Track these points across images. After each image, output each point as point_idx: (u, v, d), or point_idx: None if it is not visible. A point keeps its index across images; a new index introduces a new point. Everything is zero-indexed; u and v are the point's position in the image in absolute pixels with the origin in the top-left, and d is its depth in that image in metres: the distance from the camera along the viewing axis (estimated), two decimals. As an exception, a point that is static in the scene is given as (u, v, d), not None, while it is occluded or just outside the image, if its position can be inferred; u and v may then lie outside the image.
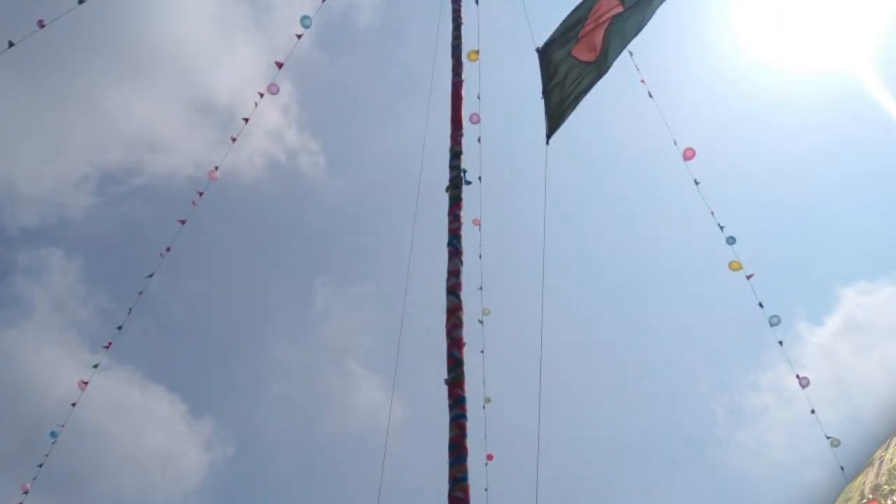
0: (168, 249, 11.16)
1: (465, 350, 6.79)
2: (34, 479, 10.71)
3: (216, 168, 11.41)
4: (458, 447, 6.13)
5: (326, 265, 30.42)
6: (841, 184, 30.17)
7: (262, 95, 11.11)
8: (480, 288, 11.49)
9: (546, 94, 8.47)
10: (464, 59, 9.33)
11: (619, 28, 8.34)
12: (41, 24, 9.37)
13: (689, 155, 10.34)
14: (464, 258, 7.46)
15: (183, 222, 11.24)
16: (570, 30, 8.53)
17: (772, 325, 10.18)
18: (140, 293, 11.09)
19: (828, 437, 10.02)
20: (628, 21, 8.34)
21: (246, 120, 11.31)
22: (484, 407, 11.94)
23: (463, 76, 9.13)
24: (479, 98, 10.55)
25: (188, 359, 27.93)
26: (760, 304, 10.23)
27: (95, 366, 11.09)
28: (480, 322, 11.48)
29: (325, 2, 10.76)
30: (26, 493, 10.64)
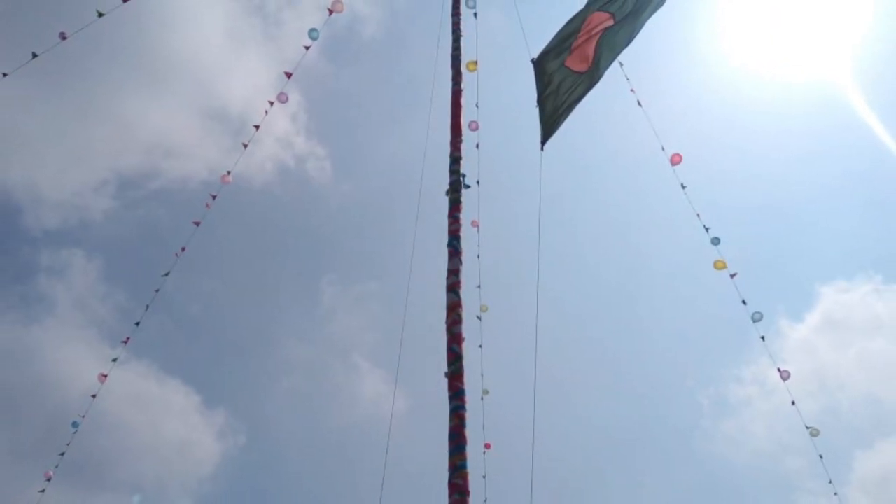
0: (183, 250, 11.14)
1: (465, 345, 6.78)
2: (57, 466, 10.70)
3: (229, 173, 11.40)
4: (457, 436, 6.12)
5: (333, 265, 30.32)
6: (821, 188, 30.13)
7: (272, 104, 11.11)
8: (479, 286, 11.48)
9: (541, 102, 8.46)
10: (463, 69, 9.33)
11: (610, 40, 8.34)
12: (63, 37, 9.38)
13: (676, 160, 10.33)
14: (463, 258, 7.45)
15: (197, 224, 11.23)
16: (563, 41, 8.52)
17: (754, 321, 10.17)
18: (157, 291, 11.08)
19: (807, 428, 10.03)
20: (619, 33, 8.34)
21: (257, 127, 11.30)
22: (482, 399, 11.93)
23: (462, 85, 9.12)
24: (477, 106, 10.54)
25: (202, 353, 27.87)
26: (744, 302, 10.23)
27: (114, 360, 11.07)
28: (479, 318, 11.46)
29: (332, 15, 10.73)
30: (49, 479, 10.64)
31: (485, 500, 11.31)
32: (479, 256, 11.34)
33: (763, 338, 10.23)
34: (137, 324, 11.11)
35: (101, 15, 9.40)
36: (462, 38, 9.63)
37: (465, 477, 5.87)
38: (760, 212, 29.59)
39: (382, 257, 29.45)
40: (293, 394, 27.19)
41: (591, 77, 8.32)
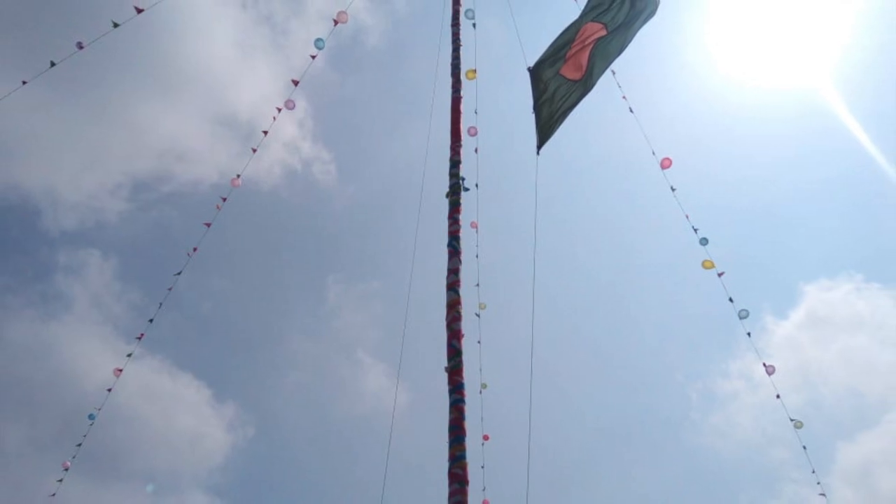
0: (195, 250, 11.15)
1: (464, 341, 6.77)
2: (74, 457, 10.71)
3: (238, 176, 11.41)
4: (457, 428, 6.11)
5: (338, 264, 30.29)
6: (805, 190, 30.13)
7: (279, 110, 11.10)
8: (477, 285, 11.52)
9: (537, 109, 8.45)
10: (462, 77, 9.32)
11: (603, 49, 8.33)
12: (80, 46, 9.36)
13: (665, 164, 10.32)
14: (462, 258, 7.44)
15: (208, 225, 11.23)
16: (558, 51, 8.52)
17: (741, 318, 10.16)
18: (169, 289, 11.09)
19: (791, 420, 10.02)
20: (611, 43, 8.33)
21: (265, 133, 11.29)
22: (480, 392, 11.92)
23: (461, 93, 9.11)
24: (476, 112, 10.57)
25: (213, 349, 27.83)
26: (731, 299, 10.21)
27: (129, 355, 11.09)
28: (477, 316, 11.48)
29: (337, 25, 10.73)
30: (67, 469, 10.65)
31: (483, 489, 11.35)
32: (477, 256, 11.37)
33: (749, 334, 10.22)
34: (151, 321, 11.12)
35: (116, 25, 9.39)
36: (461, 48, 9.63)
37: (464, 467, 5.87)
38: (747, 213, 29.60)
39: (385, 257, 29.46)
40: (300, 387, 27.20)
41: (585, 85, 8.31)
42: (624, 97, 10.68)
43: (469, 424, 6.18)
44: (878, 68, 28.49)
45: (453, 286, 7.13)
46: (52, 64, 9.19)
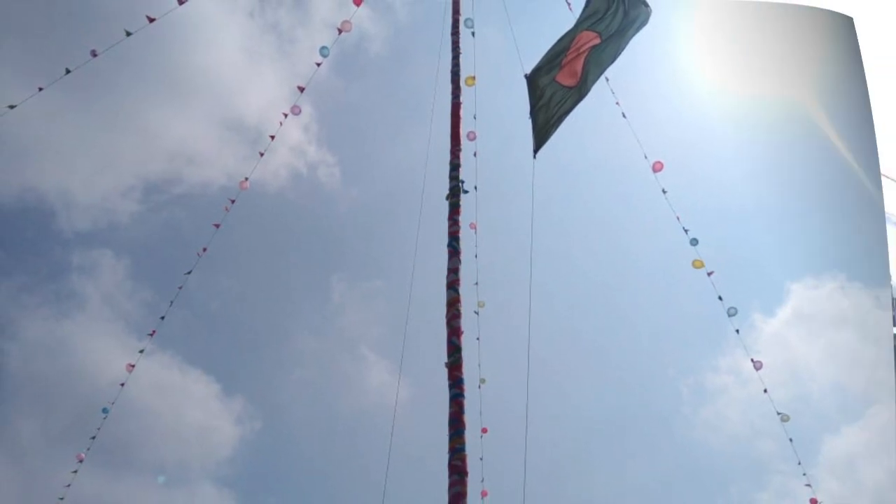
0: (204, 250, 11.15)
1: (463, 338, 6.76)
2: (88, 449, 10.72)
3: (246, 179, 11.41)
4: (456, 422, 6.10)
5: (342, 264, 30.23)
6: (791, 193, 30.11)
7: (286, 116, 11.10)
8: (476, 284, 11.51)
9: (533, 114, 8.45)
10: (462, 83, 9.32)
11: (597, 57, 8.34)
12: (94, 54, 9.37)
13: (657, 167, 10.35)
14: (462, 257, 7.43)
15: (217, 226, 11.22)
16: (554, 58, 8.52)
17: (730, 315, 10.18)
18: (180, 288, 11.09)
19: (779, 414, 10.04)
20: (605, 51, 8.34)
21: (272, 137, 11.29)
22: (479, 387, 11.91)
23: (461, 98, 9.11)
24: (475, 118, 10.56)
25: (222, 345, 27.75)
26: (720, 298, 10.24)
27: (141, 351, 11.08)
28: (476, 313, 11.48)
29: (341, 34, 10.73)
30: (81, 461, 10.66)
31: (482, 480, 11.34)
32: (476, 256, 11.35)
33: (738, 331, 10.23)
34: (162, 318, 11.12)
35: (128, 34, 9.40)
36: (461, 55, 9.62)
37: (463, 459, 5.86)
38: (735, 214, 29.57)
39: (388, 257, 29.40)
40: (305, 383, 27.15)
41: (580, 91, 8.32)
42: (617, 103, 10.70)
43: (468, 418, 6.16)
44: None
45: (453, 285, 7.12)
46: (68, 71, 9.19)
